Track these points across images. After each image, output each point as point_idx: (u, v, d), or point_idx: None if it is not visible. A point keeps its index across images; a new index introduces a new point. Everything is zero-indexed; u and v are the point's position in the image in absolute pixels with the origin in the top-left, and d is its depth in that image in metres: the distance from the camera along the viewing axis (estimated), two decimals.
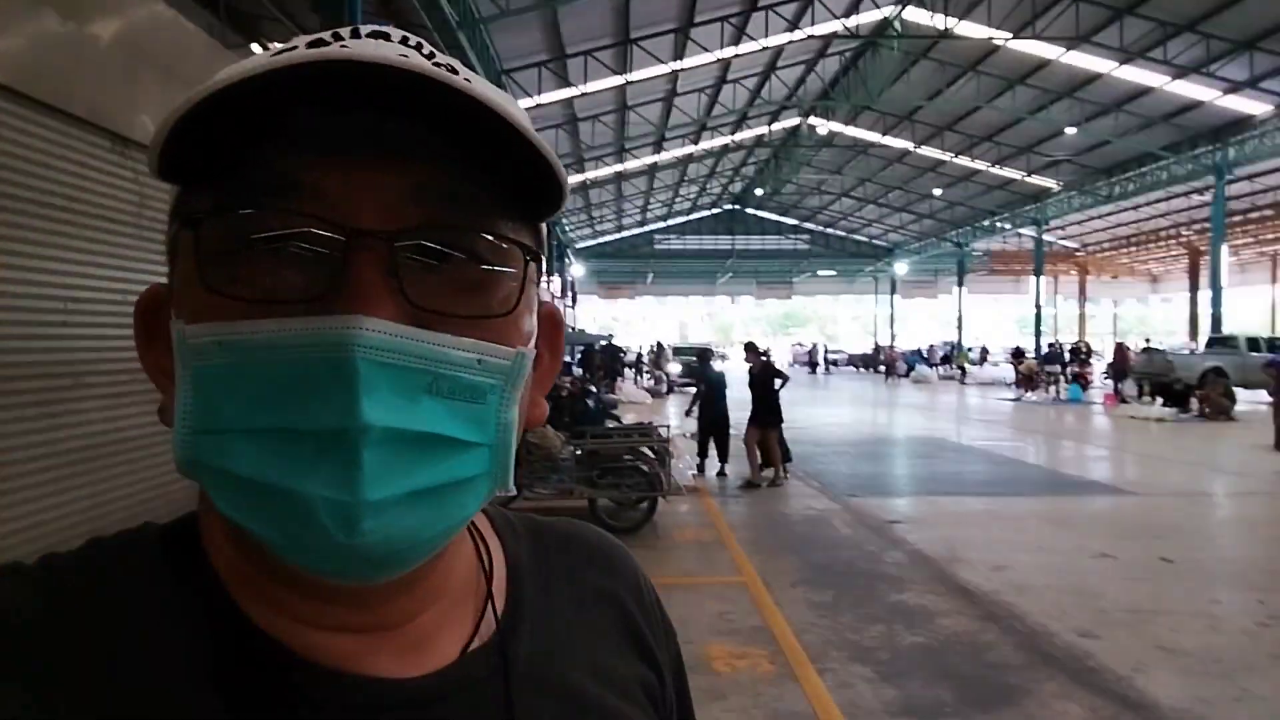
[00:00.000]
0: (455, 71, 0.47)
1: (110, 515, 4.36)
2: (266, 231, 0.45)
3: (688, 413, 13.02)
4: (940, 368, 42.51)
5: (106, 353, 4.39)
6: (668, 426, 9.45)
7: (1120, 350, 27.40)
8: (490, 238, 0.49)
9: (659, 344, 35.56)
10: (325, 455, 0.43)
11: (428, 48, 0.50)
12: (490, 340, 0.49)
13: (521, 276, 0.51)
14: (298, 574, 0.48)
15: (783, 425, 11.49)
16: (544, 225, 0.56)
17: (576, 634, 0.65)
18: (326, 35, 0.49)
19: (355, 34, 0.50)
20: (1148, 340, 33.42)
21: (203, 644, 0.50)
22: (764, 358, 11.90)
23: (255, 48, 12.09)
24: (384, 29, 0.51)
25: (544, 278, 0.55)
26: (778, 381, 11.50)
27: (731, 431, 11.66)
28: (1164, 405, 20.94)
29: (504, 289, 0.50)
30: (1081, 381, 28.09)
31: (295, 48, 0.47)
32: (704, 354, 13.81)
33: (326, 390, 0.43)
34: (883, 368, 43.11)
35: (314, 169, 0.46)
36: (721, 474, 11.58)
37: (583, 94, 21.71)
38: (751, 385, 11.48)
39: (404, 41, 0.50)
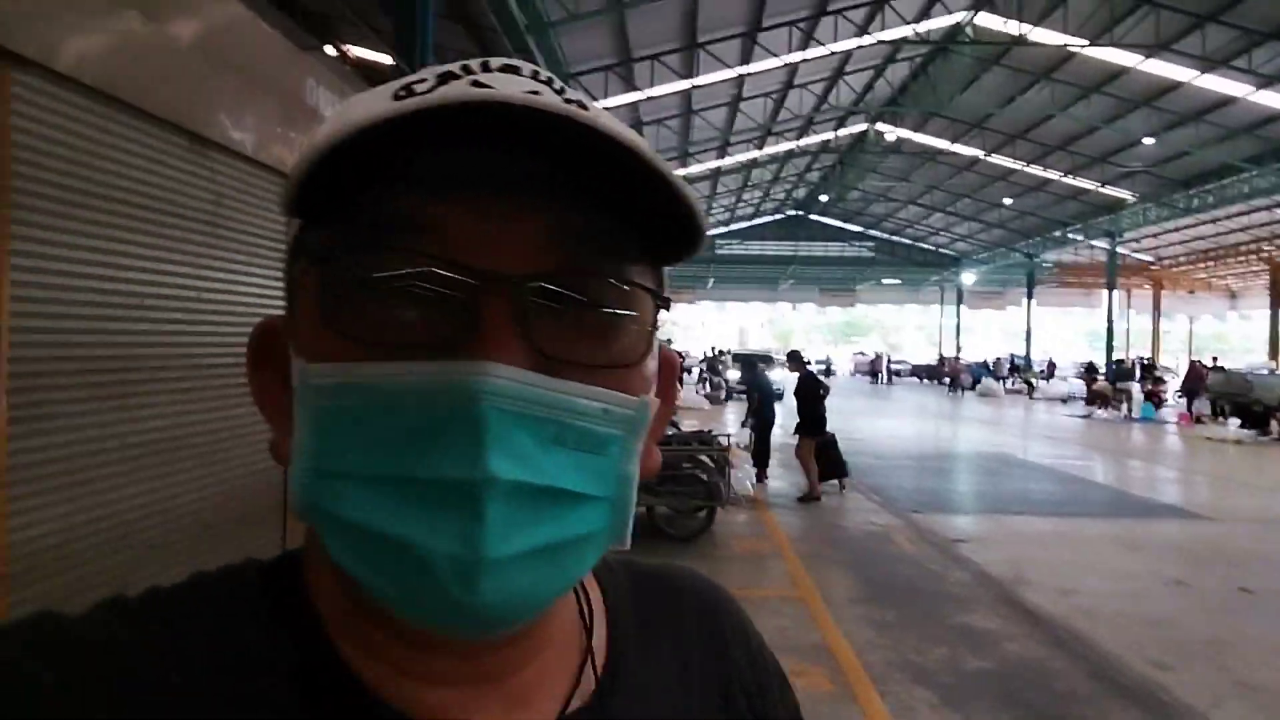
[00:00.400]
0: (585, 108, 0.45)
1: (179, 508, 4.43)
2: (394, 272, 0.44)
3: (744, 423, 12.87)
4: (1007, 381, 41.58)
5: (179, 349, 4.46)
6: (727, 435, 9.37)
7: (1194, 368, 26.52)
8: (620, 282, 0.48)
9: (717, 349, 35.42)
10: (447, 508, 0.42)
11: (558, 83, 0.49)
12: (615, 388, 0.47)
13: (651, 323, 0.49)
14: (405, 624, 0.47)
15: (836, 437, 11.21)
16: (664, 271, 0.53)
17: (678, 698, 0.62)
18: (455, 68, 0.48)
19: (485, 67, 0.48)
20: (1214, 359, 32.16)
21: (291, 690, 0.48)
22: (809, 367, 11.71)
23: (329, 50, 12.31)
24: (514, 63, 0.49)
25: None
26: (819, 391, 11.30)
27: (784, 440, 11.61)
28: (1242, 427, 20.20)
29: (631, 336, 0.49)
30: (1155, 400, 27.25)
31: (424, 79, 0.46)
32: (752, 361, 13.77)
33: (452, 439, 0.42)
34: (947, 380, 42.29)
35: (443, 209, 0.45)
36: (760, 479, 11.48)
37: (648, 98, 21.71)
38: (796, 394, 11.29)
39: (534, 76, 0.48)
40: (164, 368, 4.34)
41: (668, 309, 0.51)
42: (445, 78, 0.46)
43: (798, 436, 11.02)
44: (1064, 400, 33.14)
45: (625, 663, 0.61)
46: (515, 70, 0.48)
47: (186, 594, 0.52)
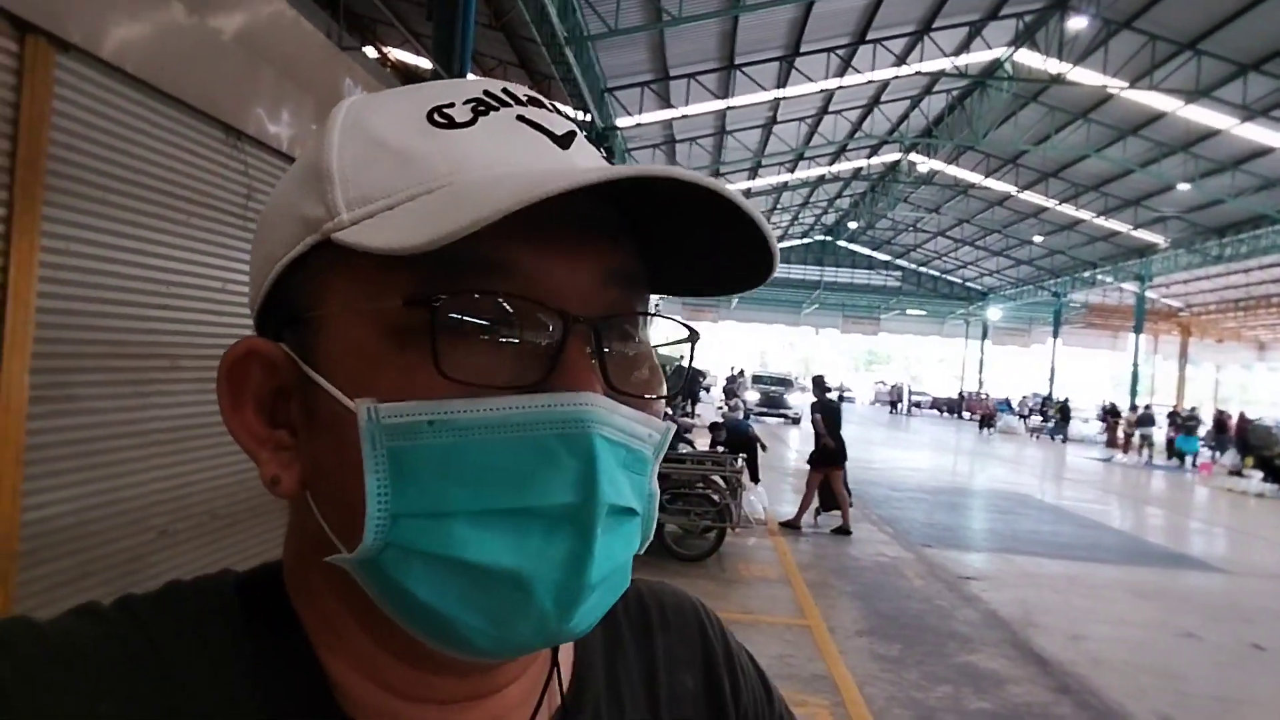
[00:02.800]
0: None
1: (190, 497, 4.45)
2: (478, 314, 0.45)
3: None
4: (1030, 419, 41.07)
5: (201, 338, 4.49)
6: (741, 456, 9.33)
7: (1222, 419, 26.11)
8: (665, 319, 0.53)
9: (736, 370, 35.30)
10: (556, 535, 0.44)
11: (563, 108, 0.54)
12: (651, 414, 0.50)
13: (689, 355, 0.55)
14: (415, 645, 0.47)
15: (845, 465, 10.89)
16: None
17: (644, 708, 0.63)
18: (483, 95, 0.50)
19: (510, 93, 0.51)
20: (1222, 411, 31.55)
21: (268, 701, 0.49)
22: (828, 394, 11.25)
23: (369, 51, 12.44)
24: (534, 94, 0.52)
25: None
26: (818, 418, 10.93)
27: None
28: (1264, 480, 19.91)
29: (665, 368, 0.54)
30: (1176, 449, 26.95)
31: (453, 103, 0.49)
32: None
33: (565, 468, 0.44)
34: (974, 417, 41.59)
35: (519, 251, 0.46)
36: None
37: (683, 116, 21.77)
38: (813, 423, 10.89)
39: (555, 109, 0.52)
40: (185, 357, 4.38)
41: (697, 342, 0.56)
42: (480, 106, 0.49)
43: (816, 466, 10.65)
44: (1083, 442, 32.83)
45: (590, 677, 0.61)
46: (540, 104, 0.52)
47: (161, 602, 0.51)
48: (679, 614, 0.71)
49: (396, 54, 14.27)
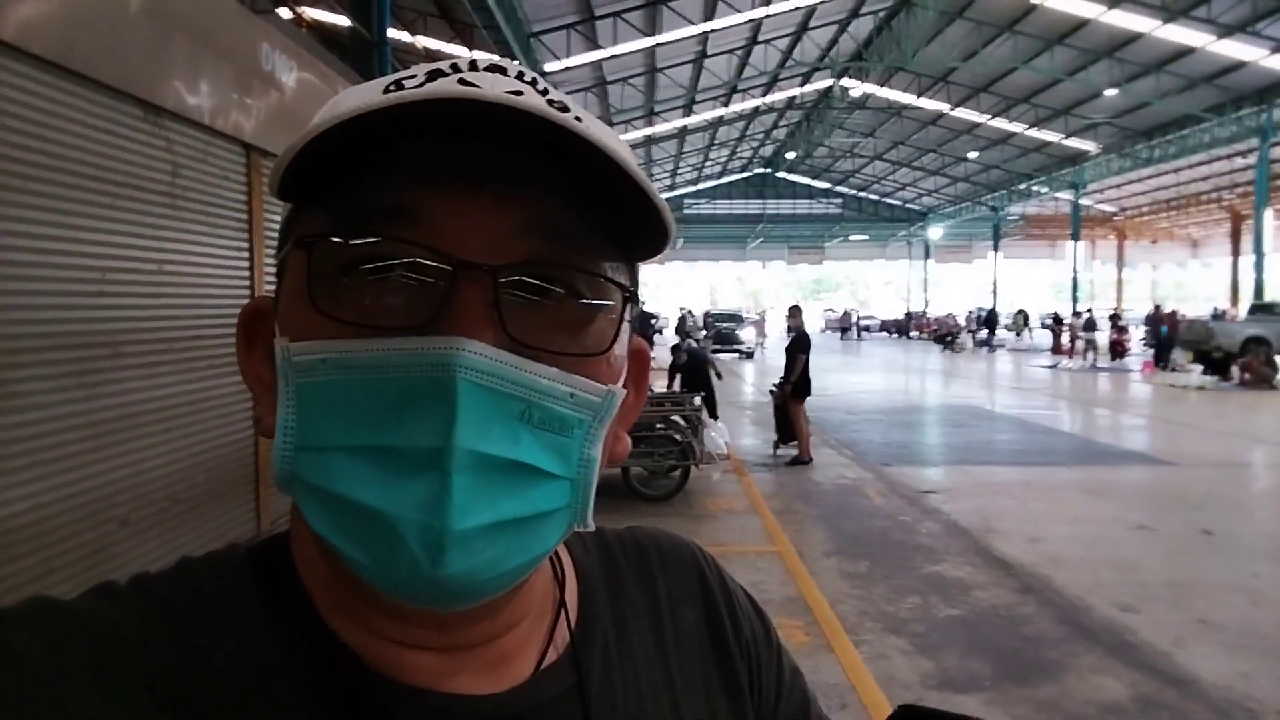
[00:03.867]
0: (567, 109, 0.48)
1: (149, 483, 4.39)
2: (377, 259, 0.47)
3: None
4: (977, 334, 41.82)
5: (143, 323, 4.39)
6: (700, 394, 9.41)
7: (1158, 315, 26.73)
8: (591, 275, 0.50)
9: (686, 310, 35.34)
10: (417, 476, 0.44)
11: (542, 83, 0.52)
12: (583, 375, 0.49)
13: (619, 314, 0.52)
14: (380, 594, 0.48)
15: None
16: (638, 265, 0.56)
17: (650, 646, 0.65)
18: (445, 66, 0.51)
19: (473, 66, 0.51)
20: (1157, 306, 32.50)
21: (293, 663, 0.51)
22: (800, 323, 11.05)
23: (283, 12, 12.03)
24: (501, 63, 0.52)
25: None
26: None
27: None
28: (1204, 373, 20.57)
29: (600, 326, 0.51)
30: (1119, 350, 27.68)
31: (414, 75, 0.50)
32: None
33: (425, 409, 0.44)
34: (923, 336, 42.18)
35: (424, 199, 0.47)
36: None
37: (612, 56, 21.48)
38: (789, 353, 10.64)
39: (519, 76, 0.51)
40: (127, 342, 4.28)
41: (637, 303, 0.54)
42: (434, 75, 0.49)
43: (792, 400, 10.50)
44: (1029, 351, 33.61)
45: (596, 617, 0.64)
46: (501, 70, 0.51)
47: (176, 578, 0.53)
48: (676, 555, 0.73)
49: (312, 13, 13.81)
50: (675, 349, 11.81)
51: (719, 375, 11.52)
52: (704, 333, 31.78)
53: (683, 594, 0.70)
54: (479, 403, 0.45)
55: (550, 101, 0.48)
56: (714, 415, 11.33)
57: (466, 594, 0.47)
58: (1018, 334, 38.75)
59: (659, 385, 11.89)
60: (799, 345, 10.68)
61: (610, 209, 0.49)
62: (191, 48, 4.72)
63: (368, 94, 0.48)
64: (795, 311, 11.30)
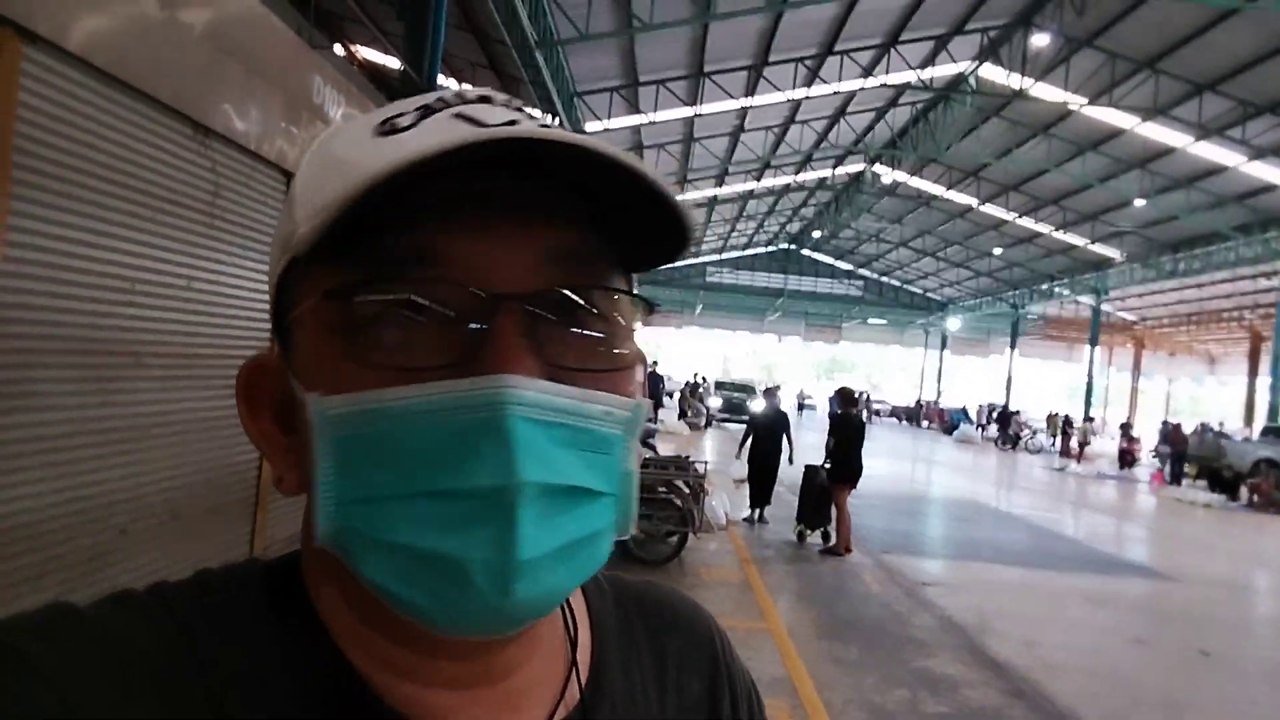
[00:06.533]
0: (565, 130, 0.48)
1: (151, 496, 4.40)
2: (410, 303, 0.47)
3: (737, 455, 11.86)
4: (987, 429, 41.45)
5: (166, 335, 4.44)
6: (704, 462, 9.37)
7: (1176, 430, 26.52)
8: (610, 291, 0.52)
9: (699, 376, 35.31)
10: (481, 516, 0.44)
11: (528, 110, 0.53)
12: (612, 391, 0.50)
13: (634, 327, 0.54)
14: (409, 627, 0.49)
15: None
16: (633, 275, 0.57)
17: (656, 710, 0.65)
18: (432, 100, 0.52)
19: (461, 98, 0.52)
20: (1164, 421, 32.05)
21: (309, 689, 0.51)
22: (854, 410, 10.41)
23: (338, 49, 12.33)
24: (488, 93, 0.54)
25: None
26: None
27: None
28: (1212, 491, 20.37)
29: (623, 340, 0.52)
30: (1128, 459, 27.48)
31: (404, 113, 0.51)
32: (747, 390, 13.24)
33: (482, 450, 0.44)
34: (932, 425, 41.35)
35: (446, 237, 0.47)
36: (761, 519, 11.18)
37: (651, 122, 21.88)
38: (834, 435, 10.11)
39: (508, 105, 0.52)
40: (149, 354, 4.33)
41: (651, 311, 0.55)
42: (425, 110, 0.51)
43: (835, 484, 9.96)
44: (1037, 451, 33.36)
45: (608, 673, 0.63)
46: (489, 100, 0.53)
47: (194, 590, 0.53)
48: (690, 620, 0.73)
49: (365, 53, 14.16)
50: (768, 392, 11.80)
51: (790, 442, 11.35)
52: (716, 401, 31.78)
53: (692, 662, 0.70)
54: (532, 436, 0.45)
55: (543, 126, 0.49)
56: (766, 503, 11.29)
57: (525, 619, 0.48)
58: (1054, 436, 36.65)
59: (665, 448, 11.83)
60: (845, 426, 10.06)
61: (624, 222, 0.50)
62: (245, 74, 4.85)
63: (363, 138, 0.50)
64: (845, 394, 10.55)
